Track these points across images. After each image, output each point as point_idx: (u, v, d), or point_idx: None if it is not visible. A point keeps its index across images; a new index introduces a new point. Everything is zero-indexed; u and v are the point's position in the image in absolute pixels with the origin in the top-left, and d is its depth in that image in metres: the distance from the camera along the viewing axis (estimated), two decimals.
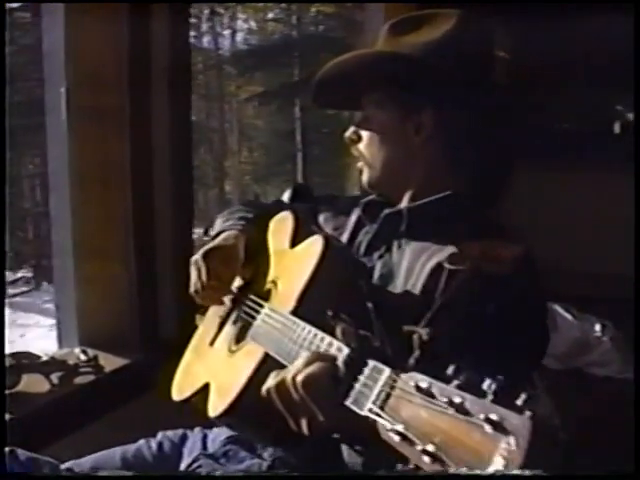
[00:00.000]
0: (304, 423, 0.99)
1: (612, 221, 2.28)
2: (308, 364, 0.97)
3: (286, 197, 2.68)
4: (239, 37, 15.24)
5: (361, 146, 1.36)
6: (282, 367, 1.09)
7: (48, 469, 1.33)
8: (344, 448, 1.10)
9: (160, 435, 1.47)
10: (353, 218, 1.44)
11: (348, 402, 0.89)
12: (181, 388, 1.43)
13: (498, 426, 0.71)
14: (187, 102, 2.25)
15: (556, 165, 2.29)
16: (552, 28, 2.39)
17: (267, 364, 1.16)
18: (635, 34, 2.07)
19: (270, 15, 14.92)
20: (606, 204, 2.34)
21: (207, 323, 1.56)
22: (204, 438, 1.43)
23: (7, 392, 1.70)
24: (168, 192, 2.15)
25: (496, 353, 1.04)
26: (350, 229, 1.43)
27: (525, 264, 1.17)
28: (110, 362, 1.95)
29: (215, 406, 1.21)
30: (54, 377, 1.80)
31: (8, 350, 1.77)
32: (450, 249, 1.17)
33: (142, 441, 1.46)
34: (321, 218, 1.52)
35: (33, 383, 1.76)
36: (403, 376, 0.82)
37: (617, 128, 3.13)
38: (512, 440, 0.69)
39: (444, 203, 1.28)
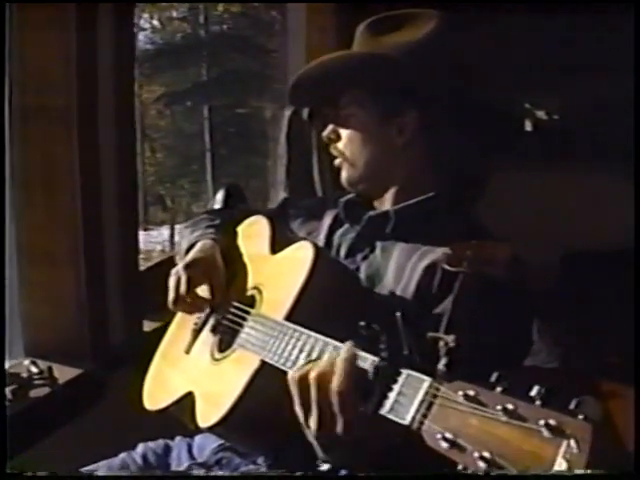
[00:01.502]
0: (317, 421, 0.97)
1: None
2: (334, 365, 0.95)
3: (219, 198, 2.66)
4: (142, 36, 14.97)
5: (340, 145, 1.36)
6: (282, 373, 1.08)
7: None
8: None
9: (141, 447, 1.43)
10: (327, 220, 1.44)
11: (383, 412, 0.88)
12: (155, 398, 1.39)
13: (556, 430, 0.73)
14: (131, 102, 2.18)
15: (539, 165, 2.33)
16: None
17: (263, 371, 1.15)
18: (635, 34, 2.11)
19: (175, 14, 14.71)
20: (594, 204, 2.40)
21: (176, 330, 1.53)
22: (189, 447, 1.39)
23: None
24: (114, 194, 2.08)
25: (506, 354, 1.05)
26: (325, 232, 1.42)
27: (517, 264, 1.19)
28: (63, 373, 1.87)
29: (206, 416, 1.18)
30: (7, 391, 1.71)
31: None
32: (442, 249, 1.18)
33: (124, 454, 1.42)
34: (292, 222, 1.51)
35: None
36: (447, 385, 0.83)
37: (529, 126, 3.22)
38: (573, 443, 0.71)
39: (429, 204, 1.29)
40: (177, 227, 16.17)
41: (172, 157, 16.41)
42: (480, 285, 1.10)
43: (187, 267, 1.37)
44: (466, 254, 1.15)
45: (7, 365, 1.82)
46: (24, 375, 1.78)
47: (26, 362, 1.86)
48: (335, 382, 0.94)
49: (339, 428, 0.94)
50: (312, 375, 0.96)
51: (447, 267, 1.14)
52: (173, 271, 1.39)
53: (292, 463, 1.17)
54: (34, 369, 1.81)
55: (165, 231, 16.08)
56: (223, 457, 1.32)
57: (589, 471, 0.70)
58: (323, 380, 0.95)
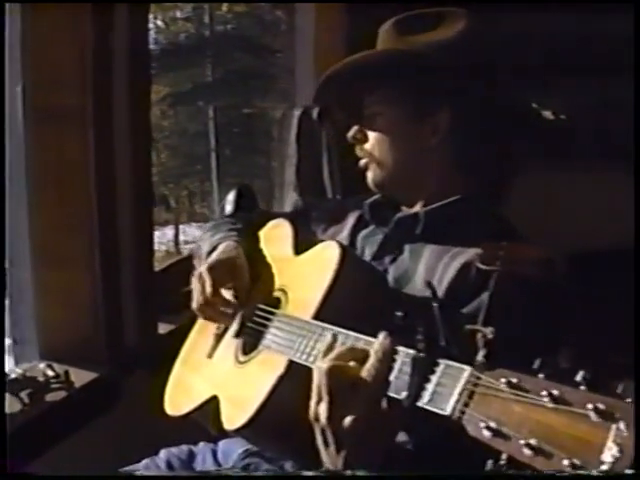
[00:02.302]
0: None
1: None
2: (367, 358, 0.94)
3: (230, 198, 2.64)
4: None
5: (368, 145, 1.33)
6: (310, 372, 1.06)
7: None
8: None
9: (165, 453, 1.41)
10: (350, 222, 1.42)
11: (421, 403, 0.87)
12: (177, 403, 1.38)
13: (605, 414, 0.72)
14: (147, 102, 2.16)
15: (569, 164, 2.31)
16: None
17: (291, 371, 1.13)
18: (635, 34, 2.09)
19: (179, 14, 14.71)
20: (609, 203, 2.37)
21: (197, 336, 1.51)
22: (214, 453, 1.37)
23: None
24: (129, 195, 2.05)
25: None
26: (348, 234, 1.40)
27: (550, 264, 1.18)
28: (79, 376, 1.85)
29: (233, 419, 1.16)
30: (23, 395, 1.69)
31: None
32: (474, 250, 1.16)
33: (147, 460, 1.39)
34: (313, 224, 1.49)
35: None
36: (488, 373, 0.81)
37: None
38: (623, 425, 0.70)
39: (459, 205, 1.27)
40: (181, 227, 16.20)
41: (176, 157, 16.42)
42: (515, 283, 1.08)
43: (211, 269, 1.34)
44: (499, 254, 1.13)
45: (22, 368, 1.80)
46: (40, 379, 1.75)
47: (42, 366, 1.83)
48: (370, 371, 0.93)
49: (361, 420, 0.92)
50: (342, 363, 0.95)
51: (481, 266, 1.12)
52: (196, 273, 1.37)
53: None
54: (50, 373, 1.79)
55: (169, 231, 16.09)
56: (250, 462, 1.29)
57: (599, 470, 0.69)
58: (352, 370, 0.94)
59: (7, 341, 2.12)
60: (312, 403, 0.97)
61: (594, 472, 0.70)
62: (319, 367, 0.97)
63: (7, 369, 1.79)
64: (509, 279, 1.08)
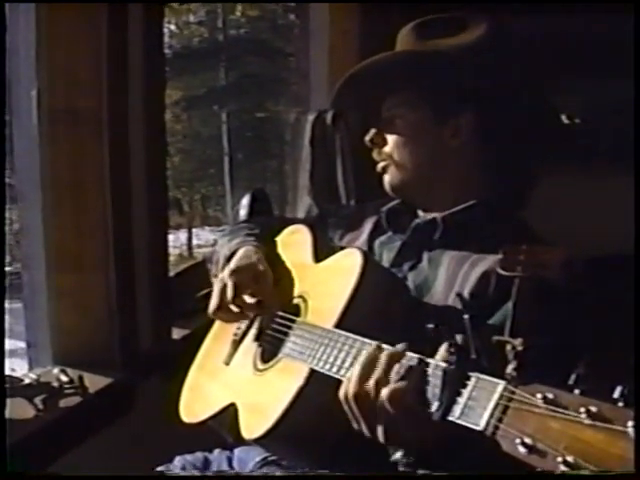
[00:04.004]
0: (380, 432, 0.94)
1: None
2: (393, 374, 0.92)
3: (245, 203, 2.63)
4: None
5: (387, 148, 1.31)
6: (333, 382, 1.04)
7: None
8: None
9: (180, 460, 1.39)
10: (367, 228, 1.40)
11: (453, 417, 0.85)
12: (193, 410, 1.36)
13: None
14: (162, 104, 2.15)
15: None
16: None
17: (312, 380, 1.11)
18: (635, 34, 2.07)
19: (192, 18, 14.73)
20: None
21: (213, 342, 1.50)
22: (229, 461, 1.35)
23: None
24: (144, 198, 2.04)
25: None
26: (365, 240, 1.38)
27: (571, 267, 1.15)
28: (93, 382, 1.83)
29: (252, 427, 1.14)
30: (37, 401, 1.68)
31: None
32: (494, 256, 1.14)
33: (162, 467, 1.37)
34: (330, 230, 1.47)
35: (17, 408, 1.63)
36: (523, 388, 0.79)
37: None
38: None
39: (478, 210, 1.25)
40: (194, 231, 16.21)
41: (189, 161, 16.42)
42: (538, 288, 1.06)
43: (233, 273, 1.32)
44: (519, 258, 1.11)
45: (36, 374, 1.79)
46: (54, 384, 1.73)
47: (55, 371, 1.82)
48: (386, 392, 0.92)
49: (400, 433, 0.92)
50: (371, 391, 0.94)
51: (503, 272, 1.10)
52: (219, 277, 1.35)
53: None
54: (64, 378, 1.77)
55: (182, 235, 16.10)
56: (268, 471, 1.28)
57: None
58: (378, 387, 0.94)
59: (21, 344, 2.11)
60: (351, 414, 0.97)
61: (594, 472, 0.70)
62: (350, 378, 0.96)
63: (21, 374, 1.77)
64: (531, 286, 1.06)
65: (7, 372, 1.78)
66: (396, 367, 0.94)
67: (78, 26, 1.83)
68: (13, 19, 1.88)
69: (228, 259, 1.39)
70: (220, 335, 1.47)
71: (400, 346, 0.98)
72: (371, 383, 0.95)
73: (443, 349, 0.91)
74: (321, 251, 1.33)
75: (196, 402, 1.39)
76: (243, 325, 1.39)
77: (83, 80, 1.86)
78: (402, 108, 1.30)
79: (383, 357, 0.97)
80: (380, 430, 0.94)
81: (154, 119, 2.08)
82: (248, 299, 1.30)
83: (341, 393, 0.98)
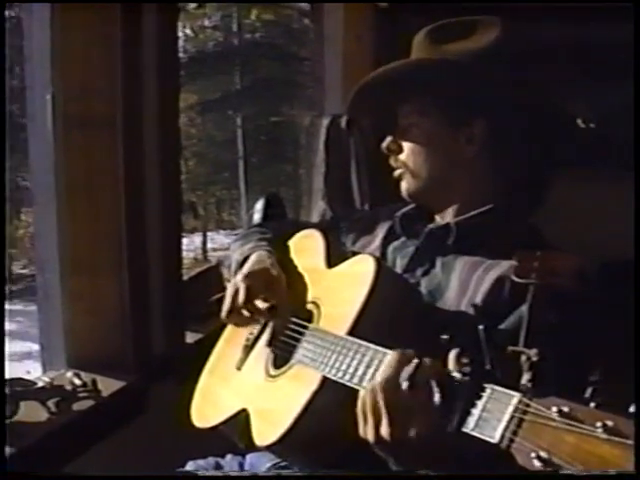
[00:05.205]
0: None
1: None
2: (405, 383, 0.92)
3: (259, 207, 2.63)
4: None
5: (403, 156, 1.31)
6: (345, 390, 1.04)
7: None
8: None
9: (191, 465, 1.39)
10: (380, 234, 1.40)
11: (467, 429, 0.84)
12: (205, 415, 1.36)
13: None
14: (176, 108, 2.16)
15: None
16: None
17: (325, 388, 1.11)
18: (635, 34, 2.06)
19: (207, 22, 14.78)
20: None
21: (225, 346, 1.49)
22: (241, 466, 1.35)
23: (6, 422, 1.57)
24: (157, 202, 2.05)
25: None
26: (378, 246, 1.38)
27: (585, 274, 1.14)
28: (106, 385, 1.84)
29: (264, 434, 1.14)
30: (51, 404, 1.68)
31: None
32: (508, 262, 1.14)
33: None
34: (343, 235, 1.47)
35: (30, 411, 1.64)
36: (538, 400, 0.78)
37: None
38: None
39: (491, 215, 1.25)
40: (209, 234, 16.25)
41: (204, 165, 16.48)
42: (552, 296, 1.05)
43: (246, 278, 1.33)
44: (534, 265, 1.10)
45: (49, 377, 1.79)
46: (67, 387, 1.74)
47: (69, 374, 1.83)
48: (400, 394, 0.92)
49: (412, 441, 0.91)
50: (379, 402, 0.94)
51: (516, 279, 1.09)
52: (231, 282, 1.36)
53: None
54: (77, 381, 1.78)
55: (197, 238, 16.14)
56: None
57: None
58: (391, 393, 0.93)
59: (36, 347, 2.12)
60: (364, 424, 0.97)
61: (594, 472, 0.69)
62: (372, 386, 0.96)
63: (34, 377, 1.78)
64: (545, 293, 1.05)
65: (21, 374, 1.79)
66: (417, 378, 0.93)
67: (92, 31, 1.84)
68: (27, 24, 1.89)
69: (241, 264, 1.40)
70: (232, 339, 1.47)
71: (426, 360, 0.97)
72: (392, 393, 0.94)
73: (452, 358, 0.91)
74: (334, 256, 1.33)
75: (208, 407, 1.39)
76: (255, 330, 1.38)
77: (97, 85, 1.87)
78: (416, 116, 1.30)
79: (403, 368, 0.96)
80: (392, 439, 0.93)
81: (168, 123, 2.08)
82: (260, 304, 1.31)
83: (361, 400, 0.97)
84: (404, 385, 0.92)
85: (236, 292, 1.32)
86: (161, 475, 1.37)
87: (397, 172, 1.33)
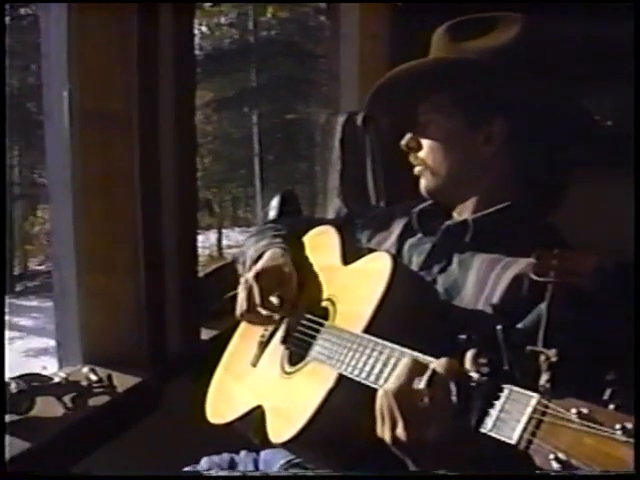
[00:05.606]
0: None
1: None
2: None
3: (274, 204, 2.63)
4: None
5: (422, 154, 1.31)
6: (361, 388, 1.04)
7: None
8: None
9: (206, 461, 1.39)
10: (396, 230, 1.39)
11: (485, 430, 0.84)
12: (220, 411, 1.36)
13: None
14: (192, 106, 2.16)
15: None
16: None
17: (340, 385, 1.11)
18: (635, 34, 2.05)
19: (223, 20, 14.80)
20: None
21: (240, 342, 1.49)
22: (255, 462, 1.35)
23: (22, 417, 1.58)
24: (173, 199, 2.05)
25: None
26: (394, 242, 1.37)
27: (604, 274, 1.13)
28: (122, 381, 1.85)
29: (279, 431, 1.14)
30: (67, 399, 1.69)
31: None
32: (526, 260, 1.13)
33: (188, 468, 1.38)
34: (358, 232, 1.47)
35: (45, 406, 1.65)
36: (557, 402, 0.78)
37: None
38: None
39: (509, 212, 1.24)
40: (224, 232, 16.29)
41: (219, 162, 16.52)
42: (571, 295, 1.04)
43: (258, 275, 1.33)
44: (552, 263, 1.09)
45: (65, 372, 1.80)
46: (83, 383, 1.75)
47: (85, 370, 1.83)
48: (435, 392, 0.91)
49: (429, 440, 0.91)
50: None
51: (535, 277, 1.08)
52: (242, 280, 1.36)
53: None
54: (93, 377, 1.79)
55: (212, 236, 16.19)
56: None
57: None
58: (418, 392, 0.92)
59: (52, 343, 2.13)
60: (382, 426, 0.96)
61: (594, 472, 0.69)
62: (387, 390, 0.95)
63: (50, 372, 1.79)
64: (564, 292, 1.04)
65: (38, 370, 1.80)
66: (436, 379, 0.92)
67: (109, 28, 1.84)
68: (44, 22, 1.90)
69: (255, 261, 1.40)
70: (247, 336, 1.47)
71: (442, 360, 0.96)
72: (412, 392, 0.93)
73: (469, 358, 0.90)
74: (349, 253, 1.32)
75: (222, 403, 1.39)
76: (270, 327, 1.39)
77: (114, 82, 1.87)
78: (435, 114, 1.29)
79: (415, 376, 0.95)
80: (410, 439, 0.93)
81: (184, 120, 2.09)
82: (274, 300, 1.31)
83: (379, 401, 0.97)
84: (422, 385, 0.92)
85: (250, 291, 1.32)
86: (166, 475, 1.37)
87: (417, 169, 1.33)
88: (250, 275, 1.34)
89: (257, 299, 1.31)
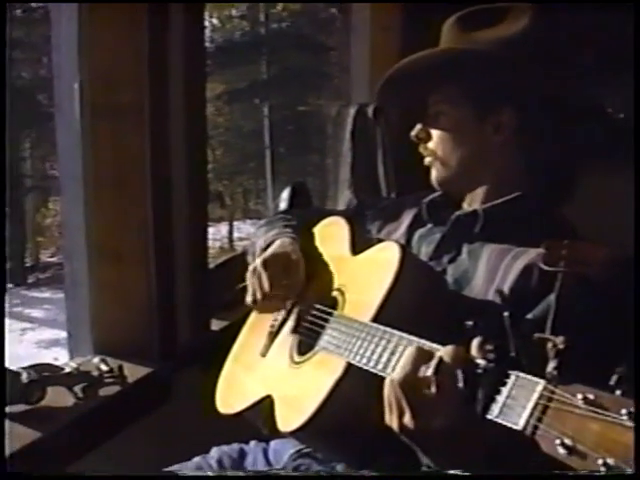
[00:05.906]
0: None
1: None
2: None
3: (285, 196, 2.63)
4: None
5: (432, 144, 1.31)
6: (370, 376, 1.05)
7: None
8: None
9: (216, 451, 1.40)
10: (406, 221, 1.39)
11: (492, 416, 0.84)
12: (229, 401, 1.37)
13: None
14: (202, 98, 2.16)
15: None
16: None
17: (349, 374, 1.11)
18: (635, 34, 2.04)
19: (234, 12, 14.80)
20: None
21: (249, 333, 1.50)
22: (265, 452, 1.36)
23: (33, 407, 1.60)
24: (184, 191, 2.06)
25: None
26: (404, 233, 1.38)
27: (614, 265, 1.14)
28: (132, 371, 1.86)
29: (288, 420, 1.15)
30: (77, 389, 1.71)
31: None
32: (536, 250, 1.13)
33: (198, 458, 1.39)
34: (368, 223, 1.47)
35: (56, 396, 1.66)
36: (563, 387, 0.78)
37: None
38: None
39: (519, 203, 1.24)
40: (235, 224, 16.31)
41: (231, 154, 16.54)
42: (581, 285, 1.04)
43: (266, 263, 1.34)
44: (562, 254, 1.09)
45: (76, 362, 1.81)
46: (94, 373, 1.76)
47: (96, 360, 1.85)
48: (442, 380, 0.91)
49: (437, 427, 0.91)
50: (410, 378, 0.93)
51: (545, 267, 1.08)
52: (251, 268, 1.37)
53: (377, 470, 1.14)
54: (104, 367, 1.80)
55: (223, 228, 16.22)
56: (302, 463, 1.28)
57: None
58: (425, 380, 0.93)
59: (64, 334, 2.14)
60: (389, 414, 0.96)
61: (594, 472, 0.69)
62: (393, 379, 0.96)
63: (61, 363, 1.80)
64: (574, 282, 1.04)
65: (49, 361, 1.81)
66: (443, 367, 0.92)
67: (119, 20, 1.85)
68: (55, 15, 1.91)
69: (264, 250, 1.41)
70: (256, 326, 1.48)
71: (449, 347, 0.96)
72: (418, 381, 0.94)
73: (475, 345, 0.91)
74: (359, 243, 1.33)
75: (232, 393, 1.40)
76: (280, 316, 1.39)
77: (125, 74, 1.88)
78: (444, 105, 1.29)
79: (421, 365, 0.96)
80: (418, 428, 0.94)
81: (195, 113, 2.09)
82: (280, 290, 1.33)
83: (386, 390, 0.97)
84: (429, 373, 0.92)
85: (259, 279, 1.33)
86: (165, 475, 1.38)
87: (427, 160, 1.33)
88: (258, 262, 1.35)
89: (266, 286, 1.32)
